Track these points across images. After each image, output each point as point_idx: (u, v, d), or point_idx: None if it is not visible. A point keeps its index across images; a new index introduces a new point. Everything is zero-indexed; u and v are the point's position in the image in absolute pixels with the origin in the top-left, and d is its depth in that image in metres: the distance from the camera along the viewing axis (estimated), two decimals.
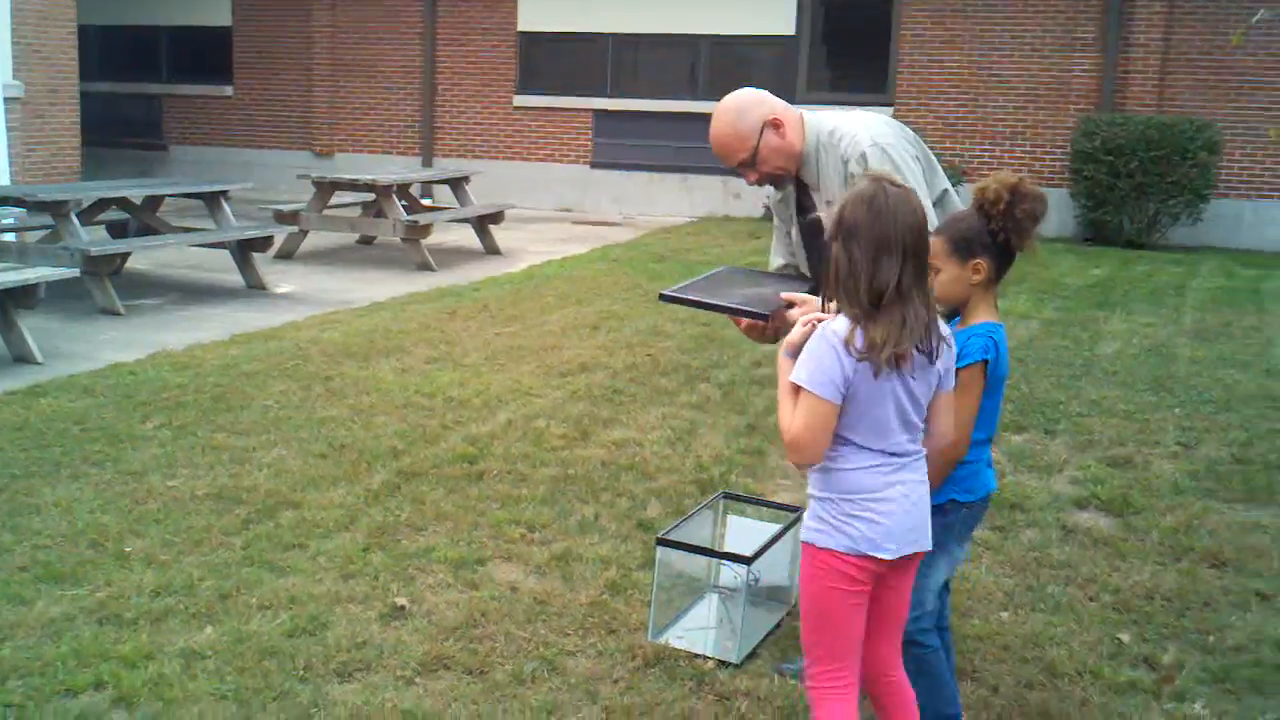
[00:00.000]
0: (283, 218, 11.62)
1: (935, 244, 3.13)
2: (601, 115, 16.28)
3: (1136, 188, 13.38)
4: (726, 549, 4.15)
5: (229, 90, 18.73)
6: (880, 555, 2.82)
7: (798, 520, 4.25)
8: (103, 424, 6.10)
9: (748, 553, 3.85)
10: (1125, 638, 4.14)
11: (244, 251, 10.25)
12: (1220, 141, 13.56)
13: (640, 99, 15.78)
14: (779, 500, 4.96)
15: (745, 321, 3.71)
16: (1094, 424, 6.64)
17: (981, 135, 14.97)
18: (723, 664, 3.83)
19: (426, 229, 11.72)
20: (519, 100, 16.93)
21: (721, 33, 15.50)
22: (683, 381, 7.36)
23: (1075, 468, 5.96)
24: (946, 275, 3.15)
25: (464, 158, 17.01)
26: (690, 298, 3.59)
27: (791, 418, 2.80)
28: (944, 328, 2.89)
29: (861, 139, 3.55)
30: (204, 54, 18.70)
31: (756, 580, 3.87)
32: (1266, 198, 14.22)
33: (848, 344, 2.73)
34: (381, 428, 6.19)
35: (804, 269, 3.94)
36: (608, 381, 7.26)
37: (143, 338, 8.16)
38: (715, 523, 4.34)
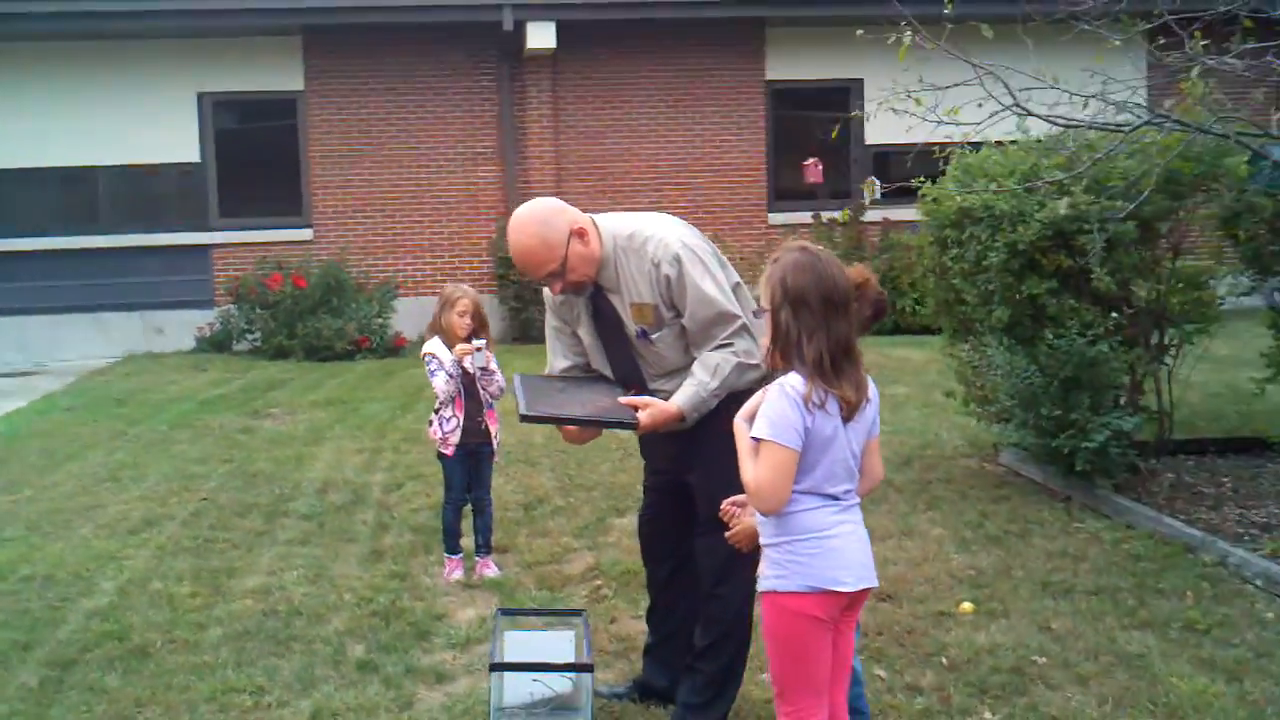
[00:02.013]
0: None
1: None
2: None
3: None
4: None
5: None
6: (840, 588, 3.08)
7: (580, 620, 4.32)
8: None
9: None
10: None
11: None
12: None
13: (35, 237, 14.46)
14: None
15: (578, 430, 3.81)
16: None
17: (404, 250, 15.38)
18: None
19: None
20: None
21: (121, 163, 14.65)
22: (264, 519, 6.98)
23: None
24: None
25: None
26: (558, 414, 3.66)
27: (754, 471, 3.01)
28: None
29: (671, 242, 3.79)
30: None
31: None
32: None
33: (807, 399, 2.98)
34: None
35: (600, 368, 4.07)
36: (187, 532, 6.72)
37: None
38: (496, 640, 4.27)
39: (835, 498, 3.14)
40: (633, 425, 3.71)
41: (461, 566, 5.98)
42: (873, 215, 14.68)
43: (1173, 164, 6.58)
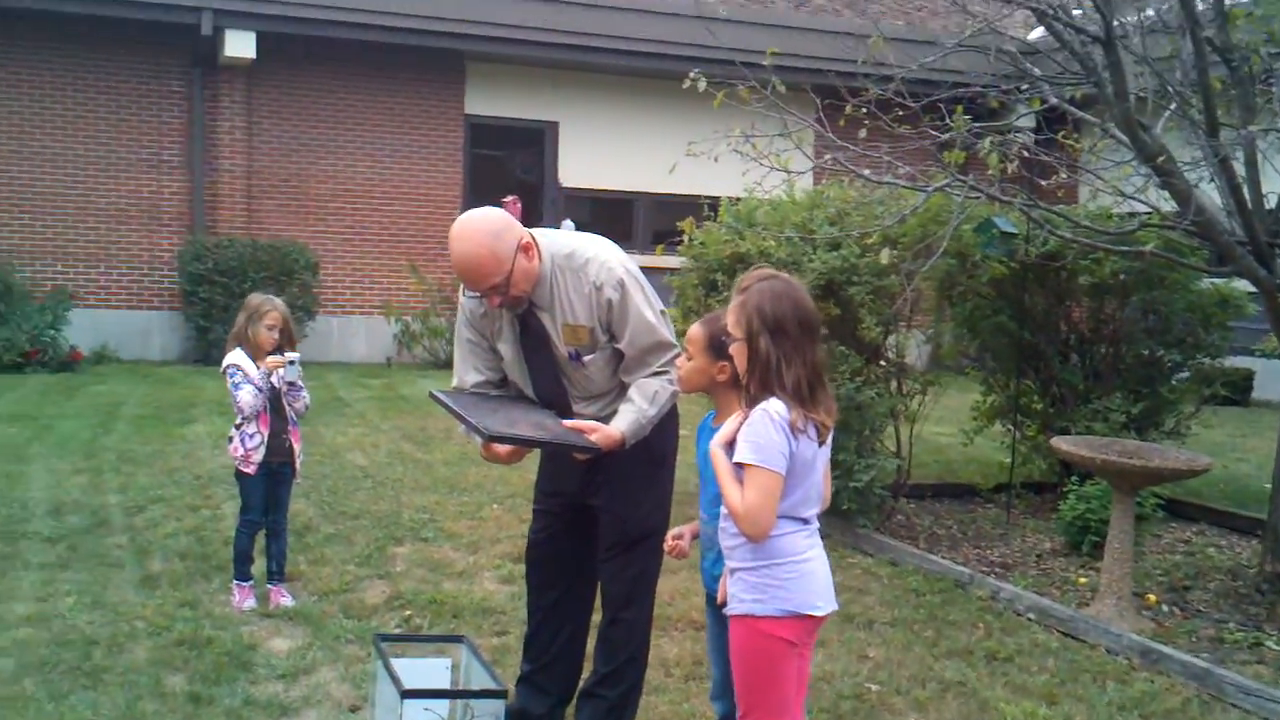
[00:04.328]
0: None
1: (696, 334, 3.54)
2: None
3: None
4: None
5: None
6: (815, 612, 3.19)
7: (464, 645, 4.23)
8: None
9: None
10: None
11: None
12: (318, 263, 14.56)
13: None
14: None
15: (508, 451, 3.75)
16: None
17: (76, 258, 14.29)
18: None
19: None
20: None
21: None
22: (3, 541, 6.34)
23: None
24: (695, 365, 3.56)
25: None
26: (520, 435, 3.59)
27: (741, 497, 3.07)
28: None
29: (614, 266, 3.80)
30: None
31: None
32: (349, 314, 15.52)
33: (793, 425, 3.08)
34: None
35: (520, 384, 4.00)
36: None
37: None
38: (383, 667, 4.09)
39: (806, 521, 3.25)
40: (594, 449, 3.69)
41: (253, 594, 5.66)
42: None
43: (921, 225, 7.18)
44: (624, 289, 3.77)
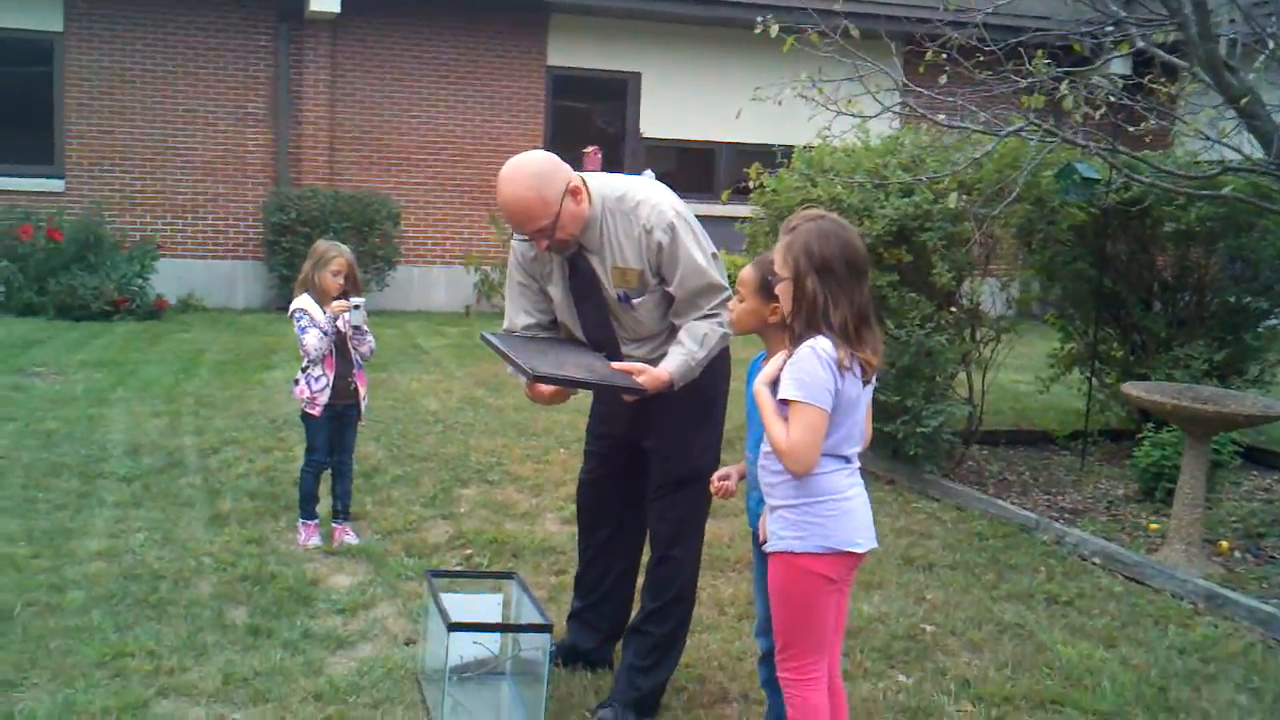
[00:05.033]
0: None
1: (748, 275, 3.49)
2: None
3: None
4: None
5: None
6: (855, 549, 3.16)
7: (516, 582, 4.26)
8: None
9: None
10: None
11: None
12: (399, 213, 14.68)
13: None
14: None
15: (550, 392, 3.76)
16: None
17: (164, 209, 14.55)
18: None
19: None
20: None
21: None
22: (81, 480, 6.52)
23: None
24: (747, 306, 3.50)
25: None
26: (565, 375, 3.60)
27: (786, 433, 3.04)
28: None
29: (665, 209, 3.75)
30: None
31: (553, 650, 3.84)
32: (430, 264, 15.65)
33: (840, 363, 3.04)
34: None
35: (569, 326, 3.99)
36: None
37: None
38: (435, 601, 4.12)
39: (848, 460, 3.21)
40: (640, 390, 3.68)
41: (318, 532, 5.75)
42: None
43: (997, 170, 7.03)
44: (674, 231, 3.73)
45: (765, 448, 3.20)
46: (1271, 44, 6.27)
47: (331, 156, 15.01)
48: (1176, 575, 5.32)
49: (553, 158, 3.78)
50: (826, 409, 3.05)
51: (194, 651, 4.34)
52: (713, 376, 3.93)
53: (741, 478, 3.68)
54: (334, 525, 5.82)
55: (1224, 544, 5.97)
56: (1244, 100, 5.80)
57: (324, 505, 5.89)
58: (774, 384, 3.13)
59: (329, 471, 5.85)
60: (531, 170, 3.68)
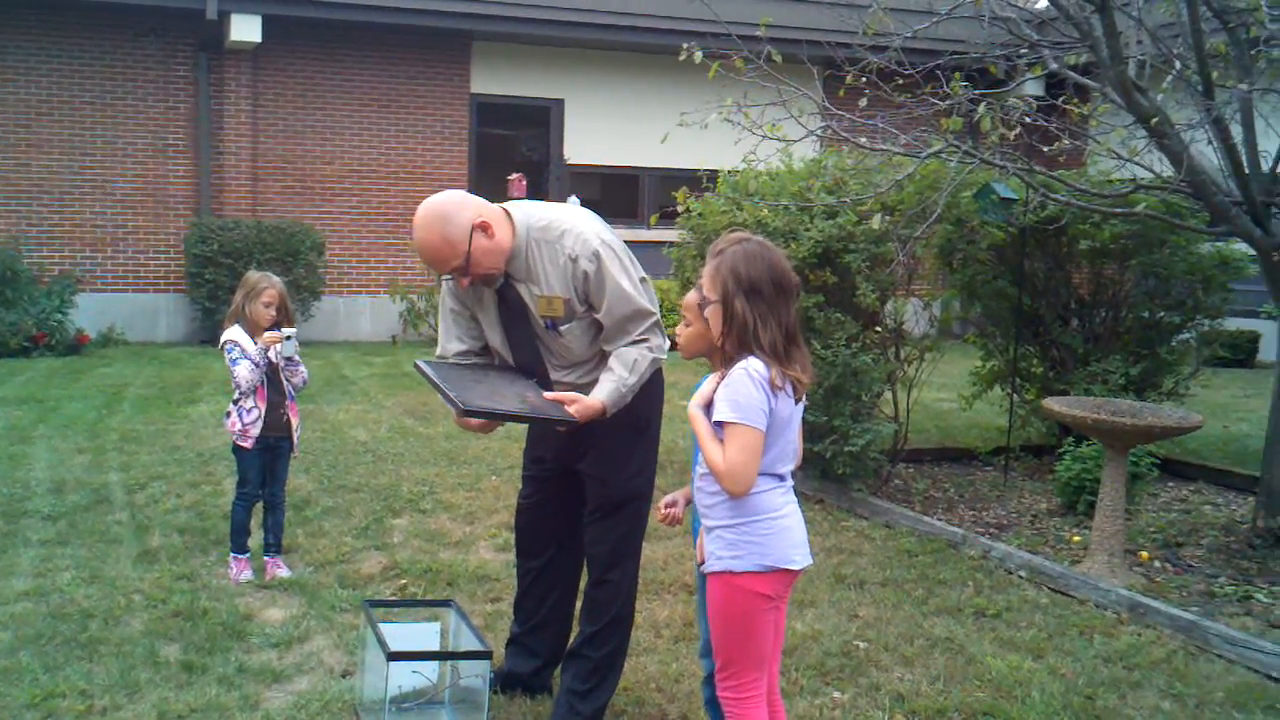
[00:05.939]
0: None
1: (692, 300, 3.54)
2: None
3: None
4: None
5: None
6: (792, 566, 3.22)
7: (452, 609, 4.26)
8: None
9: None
10: None
11: None
12: (324, 243, 14.60)
13: None
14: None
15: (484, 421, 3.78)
16: None
17: (83, 242, 14.37)
18: None
19: None
20: None
21: None
22: (3, 519, 6.40)
23: None
24: (694, 330, 3.54)
25: None
26: (496, 409, 3.61)
27: (723, 454, 3.09)
28: None
29: (589, 237, 3.80)
30: None
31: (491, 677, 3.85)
32: (355, 294, 15.57)
33: (771, 382, 3.10)
34: None
35: (501, 353, 4.02)
36: None
37: None
38: (372, 631, 4.13)
39: (782, 478, 3.27)
40: (571, 421, 3.71)
41: (250, 566, 5.70)
42: None
43: (918, 192, 7.18)
44: (600, 260, 3.77)
45: (702, 469, 3.25)
46: (1178, 65, 6.46)
47: (254, 187, 14.92)
48: (1100, 586, 5.45)
49: (458, 197, 3.81)
50: (762, 429, 3.11)
51: (127, 690, 4.29)
52: (646, 399, 3.98)
53: (688, 503, 3.72)
54: (266, 559, 5.78)
55: (1144, 554, 6.12)
56: (1154, 120, 5.97)
57: (255, 539, 5.84)
58: (708, 406, 3.18)
59: (260, 505, 5.81)
60: (434, 214, 3.72)
